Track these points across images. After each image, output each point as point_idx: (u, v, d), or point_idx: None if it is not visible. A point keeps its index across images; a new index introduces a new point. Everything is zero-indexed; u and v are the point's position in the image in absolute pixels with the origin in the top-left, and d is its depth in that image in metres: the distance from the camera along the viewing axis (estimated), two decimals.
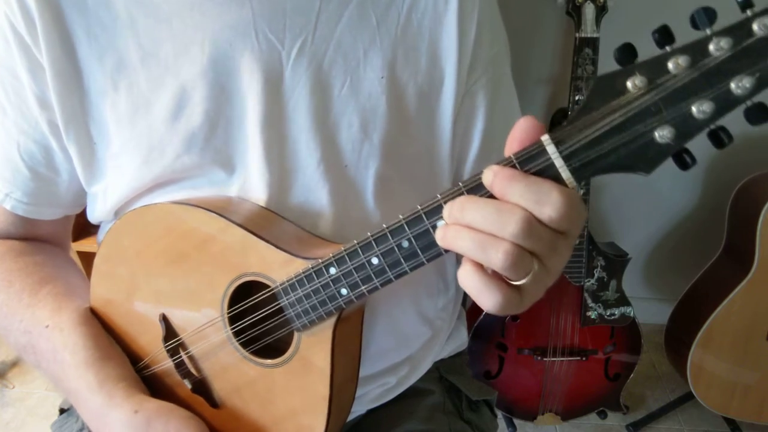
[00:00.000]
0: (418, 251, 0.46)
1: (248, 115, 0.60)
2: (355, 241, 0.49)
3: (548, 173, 0.41)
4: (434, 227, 0.45)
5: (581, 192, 1.31)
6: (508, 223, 0.40)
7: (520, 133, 0.42)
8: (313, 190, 0.61)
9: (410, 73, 0.62)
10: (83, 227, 1.53)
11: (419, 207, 0.45)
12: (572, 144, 0.40)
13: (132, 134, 0.61)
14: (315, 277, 0.52)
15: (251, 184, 0.61)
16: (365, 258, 0.49)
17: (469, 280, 0.43)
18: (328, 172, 0.61)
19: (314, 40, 0.59)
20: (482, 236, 0.41)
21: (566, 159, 0.40)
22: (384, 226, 0.47)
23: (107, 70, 0.60)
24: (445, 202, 0.44)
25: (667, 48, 0.37)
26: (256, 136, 0.60)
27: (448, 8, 0.62)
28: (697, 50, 0.36)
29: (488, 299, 0.43)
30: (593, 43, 1.26)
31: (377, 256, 0.48)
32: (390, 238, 0.47)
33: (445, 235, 0.43)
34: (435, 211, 0.45)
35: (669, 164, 0.40)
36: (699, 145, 0.39)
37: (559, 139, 0.40)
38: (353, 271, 0.50)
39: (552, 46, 1.56)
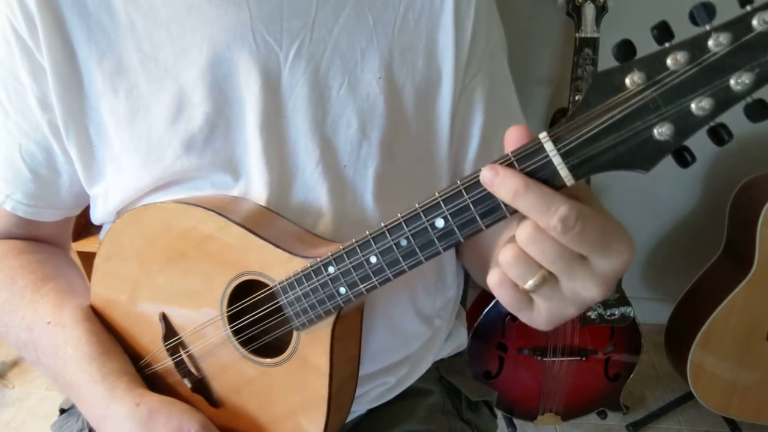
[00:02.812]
0: (417, 249, 0.46)
1: (247, 116, 0.60)
2: (354, 240, 0.49)
3: (546, 171, 0.40)
4: (432, 225, 0.45)
5: None
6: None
7: (513, 138, 0.41)
8: (313, 189, 0.61)
9: (407, 72, 0.62)
10: (83, 227, 1.53)
11: (417, 205, 0.45)
12: (570, 141, 0.39)
13: (131, 136, 0.61)
14: (313, 276, 0.53)
15: (252, 184, 0.61)
16: (363, 257, 0.49)
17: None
18: (327, 172, 0.61)
19: (311, 42, 0.60)
20: None
21: (564, 156, 0.40)
22: (382, 224, 0.47)
23: (106, 74, 0.60)
24: (443, 200, 0.44)
25: (666, 44, 0.37)
26: (255, 137, 0.60)
27: (444, 7, 0.62)
28: (696, 46, 0.36)
29: (499, 296, 0.44)
30: (593, 44, 1.26)
31: (375, 255, 0.48)
32: (388, 236, 0.47)
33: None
34: (433, 209, 0.44)
35: (669, 164, 0.39)
36: (699, 145, 0.38)
37: (557, 136, 0.40)
38: (351, 269, 0.50)
39: (552, 46, 1.55)
